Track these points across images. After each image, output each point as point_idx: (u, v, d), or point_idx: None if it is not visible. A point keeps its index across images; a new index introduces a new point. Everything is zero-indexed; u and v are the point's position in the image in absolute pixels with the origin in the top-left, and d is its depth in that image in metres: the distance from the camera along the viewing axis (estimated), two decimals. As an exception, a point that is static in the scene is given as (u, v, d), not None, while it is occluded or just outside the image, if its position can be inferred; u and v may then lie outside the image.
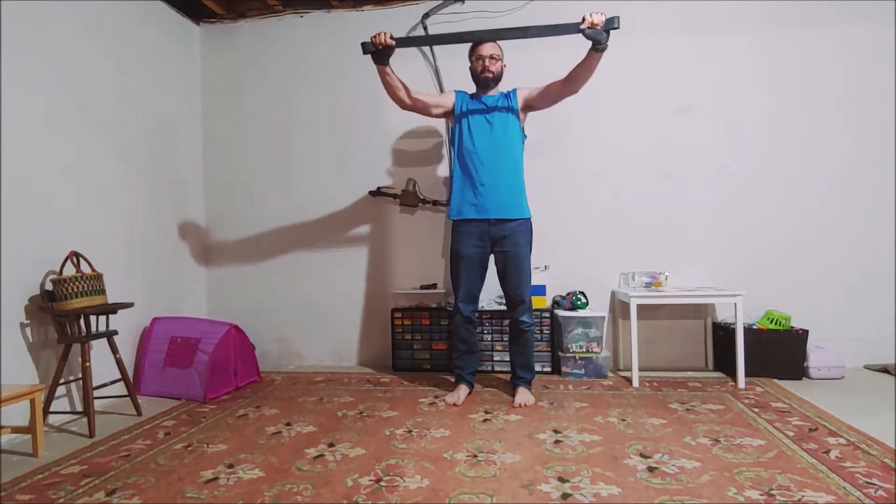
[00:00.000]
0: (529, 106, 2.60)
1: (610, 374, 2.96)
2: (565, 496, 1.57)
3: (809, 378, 2.78)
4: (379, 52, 2.36)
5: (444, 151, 3.33)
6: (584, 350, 2.91)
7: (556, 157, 3.18)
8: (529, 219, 2.55)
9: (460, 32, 2.69)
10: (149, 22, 3.15)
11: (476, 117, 2.55)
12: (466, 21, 3.25)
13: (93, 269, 2.42)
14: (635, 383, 2.74)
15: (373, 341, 3.43)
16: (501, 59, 2.59)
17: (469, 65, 2.61)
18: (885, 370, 2.86)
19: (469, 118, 2.55)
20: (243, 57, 3.56)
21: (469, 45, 2.60)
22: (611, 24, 2.17)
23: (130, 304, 2.52)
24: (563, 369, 2.94)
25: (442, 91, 3.24)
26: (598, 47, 2.25)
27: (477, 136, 2.52)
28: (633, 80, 3.14)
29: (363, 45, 2.36)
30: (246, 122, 3.56)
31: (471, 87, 2.65)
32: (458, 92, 2.65)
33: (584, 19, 2.18)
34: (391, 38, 2.33)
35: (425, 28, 3.30)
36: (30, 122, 2.36)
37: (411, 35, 3.28)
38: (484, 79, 2.55)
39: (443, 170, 3.35)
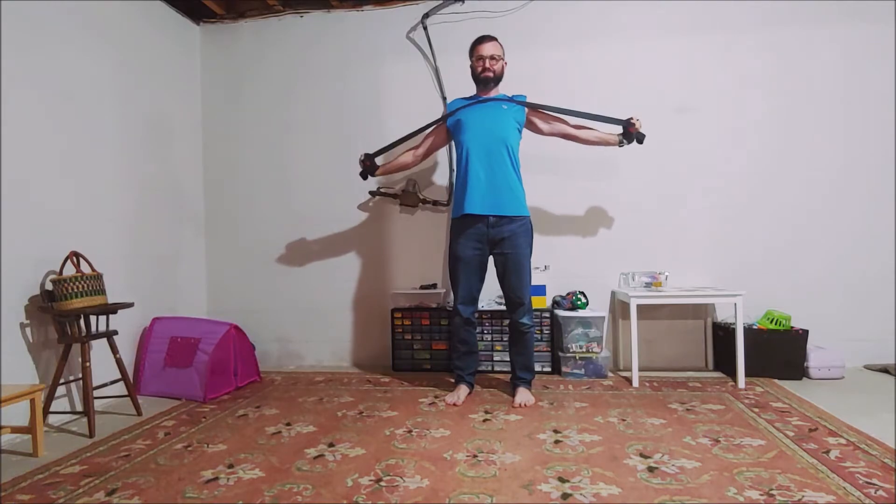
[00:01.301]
0: (532, 124, 2.67)
1: (610, 374, 2.96)
2: (565, 496, 1.57)
3: (809, 378, 2.78)
4: (367, 169, 2.84)
5: (444, 151, 3.33)
6: (584, 350, 2.91)
7: (556, 157, 3.17)
8: (528, 217, 2.54)
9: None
10: (149, 22, 3.15)
11: (475, 115, 2.55)
12: (466, 21, 3.25)
13: (93, 269, 2.42)
14: (635, 383, 2.74)
15: (373, 341, 3.43)
16: (503, 59, 2.59)
17: (469, 64, 2.61)
18: (885, 370, 2.86)
19: (468, 116, 2.55)
20: (243, 57, 3.56)
21: (469, 45, 2.61)
22: (641, 136, 2.59)
23: (130, 304, 2.52)
24: (563, 369, 2.94)
25: (443, 94, 3.28)
26: (622, 143, 2.66)
27: (475, 133, 2.52)
28: (633, 80, 3.14)
29: (360, 174, 2.86)
30: (246, 122, 3.56)
31: (471, 87, 2.65)
32: (450, 103, 2.71)
33: (630, 119, 2.59)
34: (364, 155, 2.83)
35: (425, 28, 3.30)
36: (30, 122, 2.36)
37: (416, 38, 3.31)
38: (484, 78, 2.55)
39: (443, 170, 3.35)
